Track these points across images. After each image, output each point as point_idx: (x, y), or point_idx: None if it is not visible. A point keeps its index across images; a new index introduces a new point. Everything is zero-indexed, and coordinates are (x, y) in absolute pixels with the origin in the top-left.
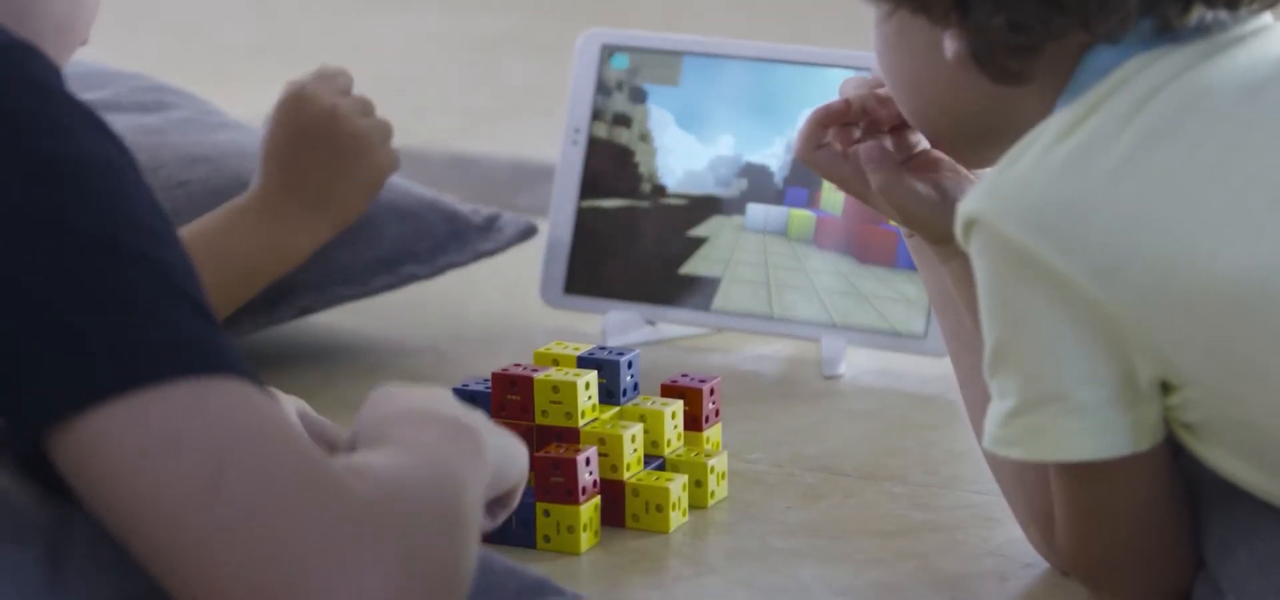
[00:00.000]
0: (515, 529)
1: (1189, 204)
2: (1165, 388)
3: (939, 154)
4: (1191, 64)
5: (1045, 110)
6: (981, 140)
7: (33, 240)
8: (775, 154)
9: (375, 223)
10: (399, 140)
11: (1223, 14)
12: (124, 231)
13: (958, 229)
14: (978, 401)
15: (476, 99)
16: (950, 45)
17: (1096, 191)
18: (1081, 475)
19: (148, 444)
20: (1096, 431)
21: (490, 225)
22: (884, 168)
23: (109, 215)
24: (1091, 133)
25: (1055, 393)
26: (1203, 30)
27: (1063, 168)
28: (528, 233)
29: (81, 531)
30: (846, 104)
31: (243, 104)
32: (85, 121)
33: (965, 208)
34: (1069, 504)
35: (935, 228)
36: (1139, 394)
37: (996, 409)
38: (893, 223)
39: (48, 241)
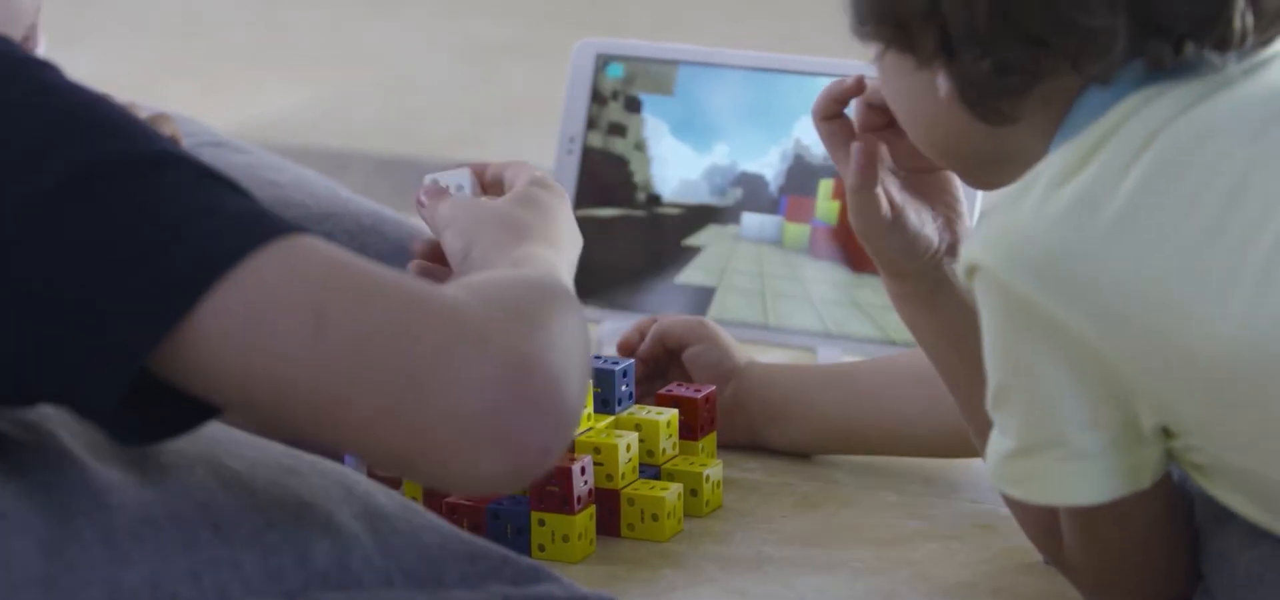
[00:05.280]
0: (511, 538)
1: (1187, 261)
2: (1167, 432)
3: (947, 180)
4: (1191, 103)
5: (1043, 144)
6: (986, 167)
7: (74, 189)
8: (770, 163)
9: (383, 244)
10: (396, 147)
11: (1214, 55)
12: (146, 143)
13: (960, 272)
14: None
15: (475, 105)
16: (942, 85)
17: (1097, 242)
18: (1083, 512)
19: (250, 315)
20: (1095, 477)
21: None
22: (863, 172)
23: (131, 135)
24: (1092, 179)
25: (1055, 438)
26: (1197, 68)
27: (1063, 216)
28: None
29: (78, 530)
30: (859, 82)
31: (241, 108)
32: (55, 71)
33: (967, 253)
34: (1073, 532)
35: (882, 253)
36: (1141, 437)
37: (999, 445)
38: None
39: (85, 182)
